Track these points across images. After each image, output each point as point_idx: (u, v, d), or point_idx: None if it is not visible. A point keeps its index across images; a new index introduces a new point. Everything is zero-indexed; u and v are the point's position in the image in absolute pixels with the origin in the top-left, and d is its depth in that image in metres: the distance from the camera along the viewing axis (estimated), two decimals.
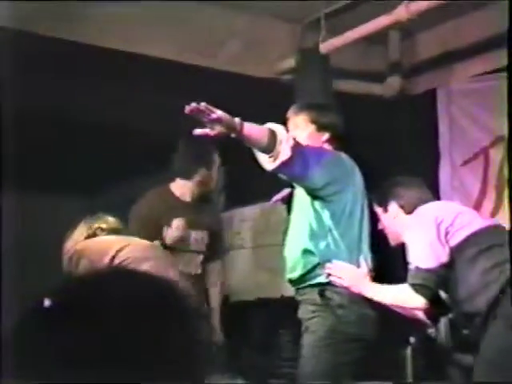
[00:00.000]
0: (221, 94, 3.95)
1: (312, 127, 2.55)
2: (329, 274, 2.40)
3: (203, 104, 2.05)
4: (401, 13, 3.38)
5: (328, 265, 2.40)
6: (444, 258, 2.22)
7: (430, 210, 2.35)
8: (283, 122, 2.58)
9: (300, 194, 2.53)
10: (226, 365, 3.26)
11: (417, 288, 2.22)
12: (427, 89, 4.16)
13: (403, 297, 2.29)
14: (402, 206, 2.44)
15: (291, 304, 2.64)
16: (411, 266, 2.26)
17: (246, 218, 4.75)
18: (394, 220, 2.45)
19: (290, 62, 3.94)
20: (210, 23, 3.84)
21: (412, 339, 3.41)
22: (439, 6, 3.40)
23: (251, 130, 2.20)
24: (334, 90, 3.89)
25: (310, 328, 2.42)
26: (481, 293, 2.18)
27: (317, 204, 2.44)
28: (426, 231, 2.26)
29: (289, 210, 2.69)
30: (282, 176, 2.37)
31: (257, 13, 3.89)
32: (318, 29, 3.84)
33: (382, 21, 3.51)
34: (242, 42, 3.91)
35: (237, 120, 2.15)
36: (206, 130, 2.12)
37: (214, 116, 2.07)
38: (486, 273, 2.17)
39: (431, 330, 3.52)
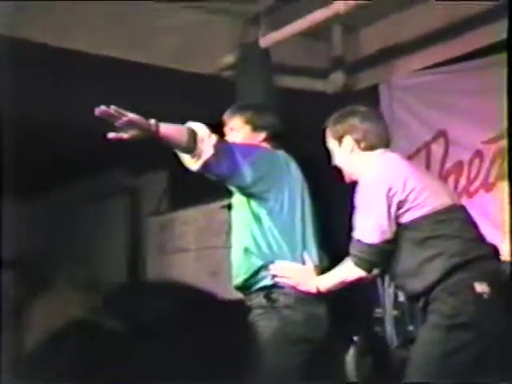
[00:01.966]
0: (161, 90, 3.91)
1: (247, 128, 2.50)
2: (274, 276, 2.32)
3: (113, 107, 1.99)
4: (338, 6, 3.36)
5: (272, 266, 2.33)
6: (389, 234, 2.11)
7: (385, 177, 2.16)
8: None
9: (238, 197, 2.45)
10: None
11: (357, 261, 2.14)
12: (370, 84, 4.15)
13: (345, 274, 2.20)
14: (357, 141, 2.27)
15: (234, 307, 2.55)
16: (354, 237, 2.17)
17: (188, 220, 4.67)
18: (350, 155, 2.28)
19: (231, 58, 3.87)
20: (150, 17, 3.75)
21: (356, 338, 3.37)
22: (379, 1, 3.39)
23: (168, 130, 2.12)
24: (277, 86, 3.83)
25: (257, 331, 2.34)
26: (415, 280, 2.10)
27: (253, 203, 2.37)
28: (376, 204, 2.11)
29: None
30: (210, 176, 2.29)
31: (197, 7, 3.81)
32: (259, 23, 3.78)
33: (320, 14, 3.48)
34: (182, 38, 3.83)
35: (152, 121, 2.09)
36: (120, 134, 2.05)
37: (124, 119, 2.01)
38: (425, 262, 2.08)
39: (377, 328, 3.50)
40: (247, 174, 2.26)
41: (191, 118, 2.25)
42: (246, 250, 2.37)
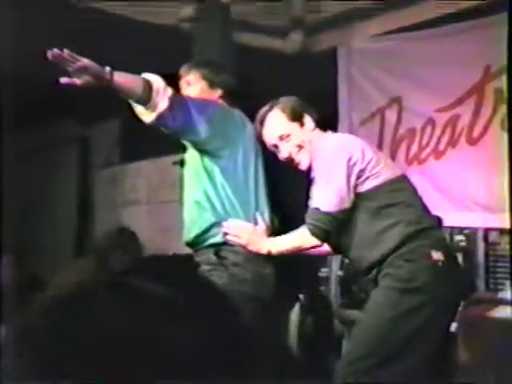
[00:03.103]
0: (117, 39, 3.81)
1: (204, 83, 2.46)
2: (225, 233, 2.32)
3: (67, 51, 1.95)
4: None
5: (224, 224, 2.33)
6: (347, 204, 2.11)
7: (344, 146, 2.16)
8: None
9: (191, 152, 2.43)
10: None
11: (313, 229, 2.13)
12: (329, 47, 4.13)
13: (299, 240, 2.20)
14: (317, 121, 2.28)
15: (183, 262, 2.55)
16: (312, 205, 2.14)
17: (140, 172, 4.61)
18: (312, 134, 2.26)
19: (190, 10, 3.78)
20: None
21: (301, 296, 3.44)
22: None
23: (122, 79, 2.08)
24: (235, 42, 3.78)
25: None
26: (373, 249, 2.12)
27: (206, 160, 2.35)
28: (336, 172, 2.11)
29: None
30: (164, 129, 2.25)
31: None
32: None
33: None
34: None
35: (106, 69, 2.05)
36: (73, 79, 2.00)
37: (78, 64, 1.97)
38: (383, 230, 2.10)
39: (321, 287, 3.58)
40: (202, 129, 2.24)
41: (145, 68, 2.20)
42: (199, 206, 2.36)
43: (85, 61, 1.98)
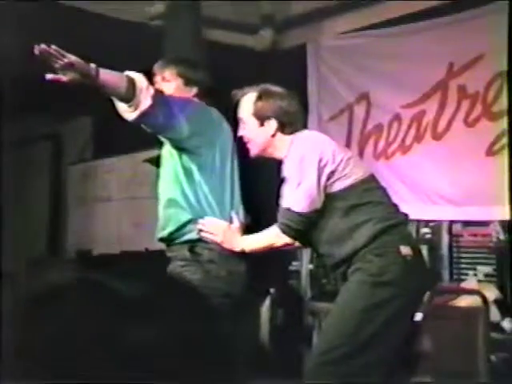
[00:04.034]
0: (90, 37, 3.81)
1: (179, 81, 2.49)
2: (200, 230, 2.34)
3: (54, 47, 1.95)
4: None
5: (200, 221, 2.35)
6: (318, 204, 2.15)
7: (315, 148, 2.17)
8: (151, 67, 2.51)
9: (168, 150, 2.46)
10: None
11: (285, 228, 2.18)
12: (298, 43, 4.19)
13: (271, 239, 2.25)
14: (282, 125, 2.23)
15: (155, 257, 2.59)
16: (283, 205, 2.17)
17: (112, 168, 4.62)
18: (272, 138, 2.24)
19: (160, 7, 3.81)
20: None
21: (272, 290, 3.50)
22: None
23: (107, 76, 2.09)
24: (205, 39, 3.81)
25: None
26: (344, 245, 2.16)
27: (184, 158, 2.37)
28: (307, 174, 2.14)
29: (158, 165, 2.60)
30: (144, 127, 2.28)
31: None
32: None
33: None
34: None
35: (92, 66, 2.05)
36: (59, 76, 2.00)
37: (65, 61, 1.97)
38: (354, 227, 2.15)
39: (292, 281, 3.64)
40: (183, 127, 2.26)
41: (116, 64, 2.21)
42: (175, 204, 2.37)
43: (72, 58, 1.97)
